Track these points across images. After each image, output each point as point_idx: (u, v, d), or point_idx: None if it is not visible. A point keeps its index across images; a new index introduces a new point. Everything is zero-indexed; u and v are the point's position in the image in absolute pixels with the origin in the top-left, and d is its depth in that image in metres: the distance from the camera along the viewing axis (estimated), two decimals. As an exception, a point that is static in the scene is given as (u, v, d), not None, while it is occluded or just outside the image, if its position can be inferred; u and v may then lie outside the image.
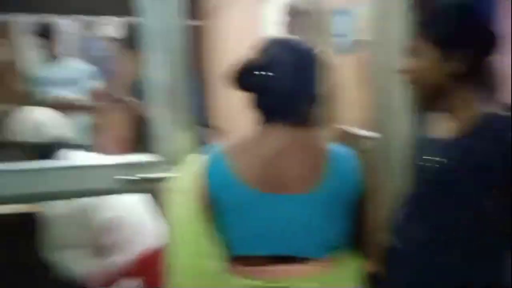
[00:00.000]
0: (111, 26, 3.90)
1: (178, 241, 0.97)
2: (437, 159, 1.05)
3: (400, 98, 1.52)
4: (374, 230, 1.30)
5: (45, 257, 1.46)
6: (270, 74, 0.95)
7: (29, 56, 3.20)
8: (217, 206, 0.97)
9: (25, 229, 1.58)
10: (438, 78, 1.02)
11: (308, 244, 0.97)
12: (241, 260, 0.97)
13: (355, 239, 1.06)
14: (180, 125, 1.27)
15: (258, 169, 0.96)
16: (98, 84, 3.07)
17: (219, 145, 1.02)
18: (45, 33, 2.99)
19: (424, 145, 1.14)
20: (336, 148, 1.05)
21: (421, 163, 1.11)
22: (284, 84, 0.96)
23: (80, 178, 1.30)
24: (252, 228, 0.96)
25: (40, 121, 1.52)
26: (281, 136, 0.99)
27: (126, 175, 1.24)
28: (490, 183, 0.99)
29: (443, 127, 1.09)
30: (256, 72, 0.95)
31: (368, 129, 1.74)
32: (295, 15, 1.84)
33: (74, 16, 3.80)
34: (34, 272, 1.54)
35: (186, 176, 0.99)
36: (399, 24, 1.51)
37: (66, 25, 3.72)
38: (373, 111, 1.62)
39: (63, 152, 1.52)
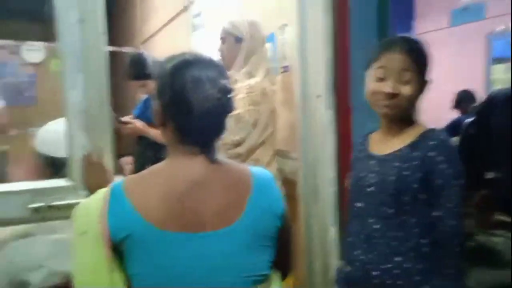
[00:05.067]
0: (33, 52, 3.73)
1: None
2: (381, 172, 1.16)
3: (323, 120, 1.59)
4: (300, 255, 1.32)
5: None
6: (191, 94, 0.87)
7: None
8: (123, 250, 0.86)
9: None
10: (415, 103, 1.16)
11: (234, 280, 0.89)
12: None
13: (281, 266, 1.00)
14: (98, 150, 1.21)
15: (166, 207, 0.86)
16: None
17: (122, 179, 0.91)
18: None
19: (365, 161, 1.23)
20: (257, 173, 0.98)
21: (365, 178, 1.19)
22: (205, 107, 0.87)
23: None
24: (165, 272, 0.86)
25: None
26: (195, 168, 0.90)
27: (39, 202, 1.15)
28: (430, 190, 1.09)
29: (381, 145, 1.21)
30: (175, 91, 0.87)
31: (294, 149, 1.79)
32: (230, 41, 1.86)
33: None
34: None
35: (89, 214, 0.88)
36: (322, 51, 1.59)
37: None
38: (298, 133, 1.67)
39: None
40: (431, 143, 1.11)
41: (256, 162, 1.74)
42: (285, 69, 2.00)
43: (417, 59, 1.14)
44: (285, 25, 1.97)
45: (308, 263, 1.64)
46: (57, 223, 1.18)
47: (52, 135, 1.32)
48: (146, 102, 2.42)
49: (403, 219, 1.12)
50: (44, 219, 1.16)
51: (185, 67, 0.90)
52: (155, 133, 2.18)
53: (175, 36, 3.37)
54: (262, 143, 1.77)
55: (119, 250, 0.86)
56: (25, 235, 1.18)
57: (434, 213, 1.09)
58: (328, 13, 1.59)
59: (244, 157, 1.72)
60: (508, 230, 2.29)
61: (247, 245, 0.90)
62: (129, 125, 2.22)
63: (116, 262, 0.86)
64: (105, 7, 1.24)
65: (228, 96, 0.92)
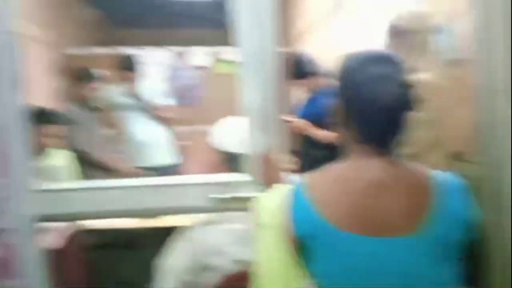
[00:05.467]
0: (200, 56, 4.16)
1: (267, 277, 0.90)
2: None
3: (505, 118, 1.40)
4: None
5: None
6: (372, 90, 0.86)
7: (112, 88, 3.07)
8: (304, 247, 0.88)
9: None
10: None
11: None
12: None
13: (470, 281, 0.92)
14: (272, 148, 1.27)
15: (348, 208, 0.85)
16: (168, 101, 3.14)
17: (302, 177, 0.93)
18: (128, 65, 2.98)
19: None
20: (443, 177, 0.92)
21: None
22: (386, 104, 0.86)
23: (176, 195, 1.35)
24: (346, 274, 0.85)
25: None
26: (376, 168, 0.87)
27: (219, 193, 1.26)
28: None
29: None
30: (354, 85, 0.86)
31: (471, 152, 1.62)
32: (398, 35, 1.80)
33: (166, 48, 4.11)
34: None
35: (272, 209, 0.91)
36: (504, 41, 1.40)
37: (159, 56, 4.05)
38: (476, 133, 1.49)
39: None
40: None
41: (426, 165, 1.62)
42: (459, 62, 1.82)
43: None
44: (459, 13, 1.80)
45: (489, 279, 1.45)
46: (236, 214, 1.27)
47: (228, 132, 1.43)
48: (311, 101, 2.47)
49: None
50: (224, 210, 1.26)
51: (366, 64, 0.89)
52: (317, 133, 2.20)
53: (327, 34, 3.36)
54: (432, 144, 1.64)
55: (299, 247, 0.88)
56: (208, 223, 1.30)
57: None
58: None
59: (412, 159, 1.62)
60: None
61: (430, 255, 0.85)
62: (291, 124, 2.28)
63: (297, 258, 0.89)
64: (279, 10, 1.28)
65: (408, 92, 0.88)
